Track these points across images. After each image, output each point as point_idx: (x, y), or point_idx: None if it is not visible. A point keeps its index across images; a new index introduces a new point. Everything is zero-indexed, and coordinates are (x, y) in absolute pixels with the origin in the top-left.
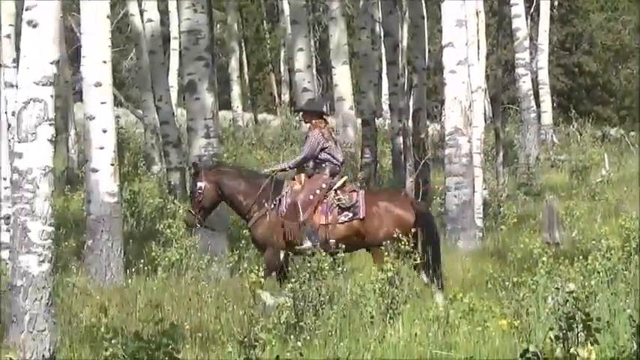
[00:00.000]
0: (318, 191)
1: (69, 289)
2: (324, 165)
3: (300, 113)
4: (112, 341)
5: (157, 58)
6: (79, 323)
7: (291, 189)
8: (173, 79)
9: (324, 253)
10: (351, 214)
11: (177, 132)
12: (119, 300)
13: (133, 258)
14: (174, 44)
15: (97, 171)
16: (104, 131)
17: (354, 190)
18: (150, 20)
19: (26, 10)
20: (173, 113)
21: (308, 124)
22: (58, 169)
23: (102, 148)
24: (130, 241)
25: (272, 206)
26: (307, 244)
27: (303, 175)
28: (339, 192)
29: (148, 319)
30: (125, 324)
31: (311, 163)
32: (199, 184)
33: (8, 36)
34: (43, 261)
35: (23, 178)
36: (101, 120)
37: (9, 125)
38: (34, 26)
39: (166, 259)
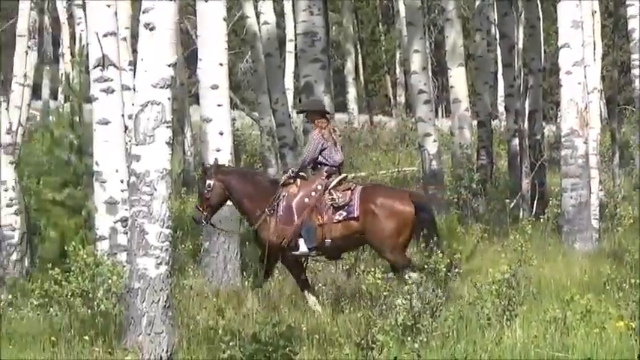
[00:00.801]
0: (313, 193)
1: (186, 292)
2: (320, 167)
3: (304, 114)
4: (230, 343)
5: (273, 60)
6: (195, 325)
7: (287, 192)
8: (289, 82)
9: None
10: (345, 213)
11: (293, 134)
12: (236, 302)
13: (249, 260)
14: (289, 46)
15: None
16: (221, 133)
17: (349, 189)
18: (266, 23)
19: (143, 12)
20: (289, 115)
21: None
22: (175, 171)
23: (218, 150)
24: (247, 242)
25: (272, 210)
26: (303, 248)
27: (299, 179)
28: (332, 191)
29: (265, 321)
30: (242, 326)
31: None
32: (208, 182)
33: (124, 39)
34: (160, 263)
35: (141, 181)
36: (218, 122)
37: (126, 128)
38: (152, 29)
39: None
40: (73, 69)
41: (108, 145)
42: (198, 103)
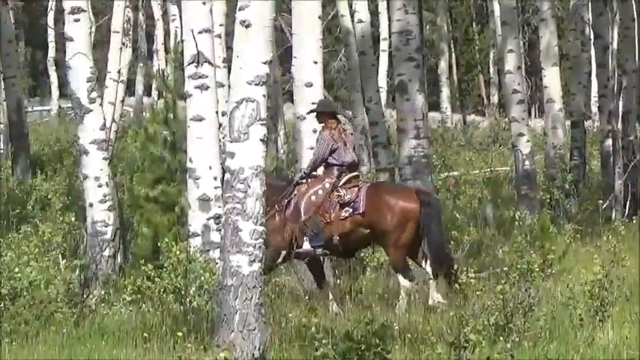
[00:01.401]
0: (320, 191)
1: (278, 289)
2: (330, 167)
3: (314, 114)
4: (322, 341)
5: (367, 58)
6: (288, 323)
7: (298, 191)
8: (382, 80)
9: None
10: (351, 210)
11: (386, 133)
12: (328, 300)
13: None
14: (383, 45)
15: None
16: (314, 131)
17: (357, 186)
18: (360, 21)
19: (239, 10)
20: (382, 114)
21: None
22: (268, 168)
23: (312, 148)
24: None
25: (280, 207)
26: (307, 246)
27: (310, 179)
28: (340, 189)
29: (357, 320)
30: (334, 324)
31: (322, 167)
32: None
33: (219, 36)
34: (253, 261)
35: (235, 178)
36: (311, 120)
37: (220, 125)
38: (247, 26)
39: (375, 259)
40: (167, 65)
41: (202, 141)
42: (292, 101)
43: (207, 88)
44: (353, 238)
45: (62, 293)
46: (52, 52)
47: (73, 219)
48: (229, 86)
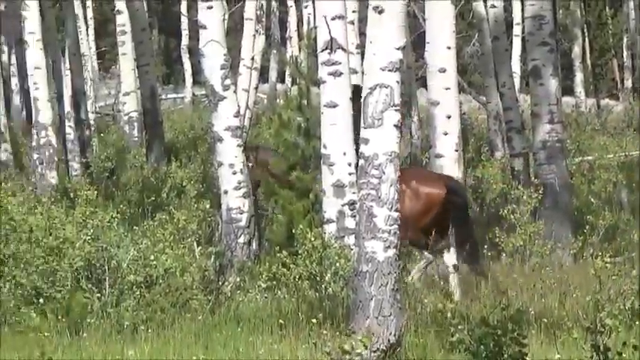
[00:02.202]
0: None
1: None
2: None
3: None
4: (458, 327)
5: (501, 44)
6: (423, 309)
7: None
8: (516, 65)
9: None
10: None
11: (520, 118)
12: (464, 286)
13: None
14: (516, 30)
15: (441, 157)
16: (448, 117)
17: None
18: (493, 6)
19: None
20: (516, 99)
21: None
22: (402, 154)
23: (446, 133)
24: (474, 226)
25: None
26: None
27: None
28: None
29: (493, 305)
30: (470, 310)
31: None
32: (249, 163)
33: (352, 22)
34: (388, 247)
35: (369, 164)
36: (445, 106)
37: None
38: (380, 12)
39: (510, 244)
40: (300, 52)
41: (335, 128)
42: (425, 87)
43: (341, 74)
44: None
45: (197, 281)
46: (185, 40)
47: (207, 206)
48: (363, 72)
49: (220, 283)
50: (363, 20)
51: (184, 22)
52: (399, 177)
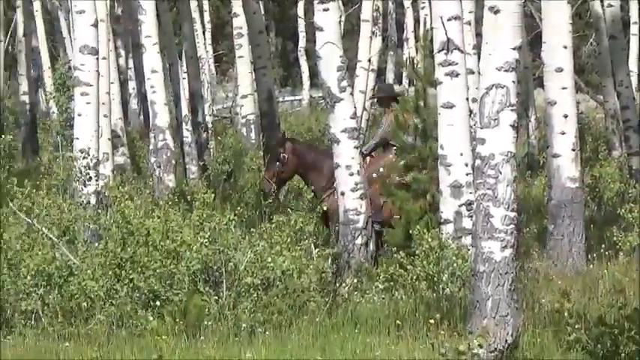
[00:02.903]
0: (381, 169)
1: (531, 275)
2: (390, 147)
3: (375, 100)
4: (576, 326)
5: (618, 43)
6: (540, 308)
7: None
8: (633, 64)
9: None
10: None
11: (637, 117)
12: (581, 285)
13: (594, 243)
14: (634, 29)
15: (558, 156)
16: (565, 117)
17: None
18: (610, 5)
19: None
20: (633, 98)
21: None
22: (519, 154)
23: (563, 133)
24: (591, 225)
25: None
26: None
27: (368, 157)
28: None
29: (610, 304)
30: (587, 309)
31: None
32: (283, 154)
33: (468, 23)
34: (505, 246)
35: (486, 164)
36: (562, 105)
37: (470, 111)
38: (496, 12)
39: (628, 243)
40: (417, 53)
41: (452, 128)
42: (542, 87)
43: (457, 75)
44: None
45: (315, 282)
46: (302, 42)
47: (325, 208)
48: (479, 73)
49: (337, 284)
50: (479, 20)
51: (301, 24)
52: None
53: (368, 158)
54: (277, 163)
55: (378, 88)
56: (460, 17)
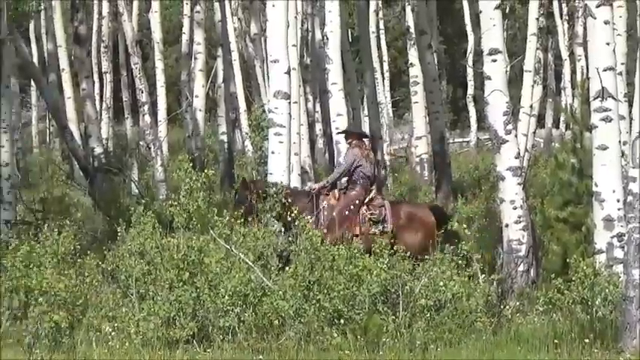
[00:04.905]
0: (352, 206)
1: None
2: (357, 182)
3: (344, 134)
4: None
5: None
6: None
7: (327, 204)
8: None
9: None
10: (381, 227)
11: None
12: None
13: None
14: None
15: None
16: None
17: (382, 205)
18: None
19: None
20: None
21: (348, 144)
22: None
23: None
24: None
25: (315, 221)
26: None
27: (337, 191)
28: (370, 206)
29: None
30: None
31: (344, 180)
32: (249, 196)
33: (620, 73)
34: None
35: (637, 200)
36: None
37: (622, 153)
38: None
39: None
40: (574, 100)
41: (606, 168)
42: None
43: (611, 120)
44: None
45: (481, 304)
46: (470, 90)
47: (488, 237)
48: (630, 118)
49: (502, 307)
50: (630, 71)
51: (470, 73)
52: (395, 213)
53: (337, 192)
54: (247, 203)
55: (348, 125)
56: (614, 68)
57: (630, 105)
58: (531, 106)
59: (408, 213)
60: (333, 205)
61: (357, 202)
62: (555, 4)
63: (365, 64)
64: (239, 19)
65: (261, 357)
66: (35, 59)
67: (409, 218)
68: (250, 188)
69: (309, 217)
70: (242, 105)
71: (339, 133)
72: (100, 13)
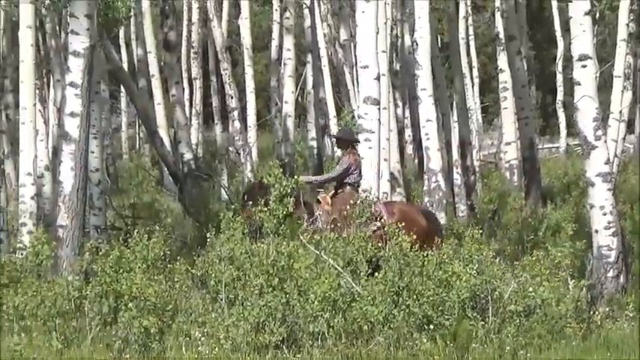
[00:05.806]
0: (348, 205)
1: None
2: (347, 186)
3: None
4: None
5: None
6: None
7: (322, 210)
8: None
9: None
10: (379, 224)
11: None
12: None
13: None
14: None
15: None
16: None
17: (375, 203)
18: None
19: None
20: None
21: (341, 150)
22: None
23: None
24: None
25: (313, 225)
26: None
27: (328, 197)
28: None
29: None
30: None
31: (334, 184)
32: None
33: None
34: None
35: None
36: None
37: None
38: None
39: None
40: None
41: None
42: None
43: None
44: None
45: (571, 310)
46: (560, 96)
47: (579, 244)
48: None
49: (591, 312)
50: None
51: (559, 79)
52: (389, 211)
53: (328, 197)
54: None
55: (339, 132)
56: None
57: None
58: (621, 112)
59: (402, 211)
60: (328, 210)
61: (352, 201)
62: None
63: (454, 70)
64: (328, 25)
65: None
66: (125, 65)
67: (403, 217)
68: (258, 190)
69: (305, 224)
70: (331, 111)
71: (330, 137)
72: (189, 19)
